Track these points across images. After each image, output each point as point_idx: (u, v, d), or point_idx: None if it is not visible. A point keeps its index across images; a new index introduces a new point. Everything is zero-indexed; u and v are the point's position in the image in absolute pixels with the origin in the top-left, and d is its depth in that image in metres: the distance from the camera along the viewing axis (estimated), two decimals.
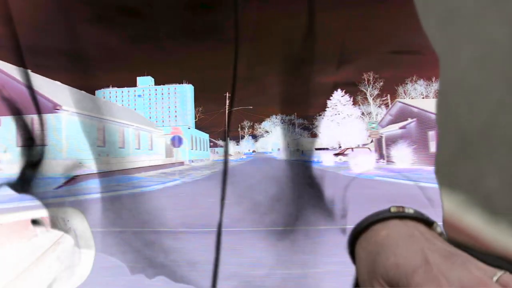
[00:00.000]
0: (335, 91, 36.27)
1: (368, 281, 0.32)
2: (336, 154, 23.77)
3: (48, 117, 14.57)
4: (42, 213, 0.58)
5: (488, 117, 0.32)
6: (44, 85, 14.74)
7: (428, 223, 0.34)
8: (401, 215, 0.34)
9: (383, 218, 0.34)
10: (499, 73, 0.31)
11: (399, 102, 21.75)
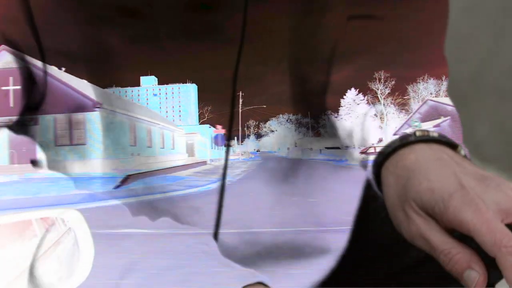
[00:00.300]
0: (348, 90, 35.80)
1: (399, 205, 0.32)
2: (360, 153, 23.60)
3: (87, 115, 14.26)
4: (42, 214, 0.59)
5: (477, 65, 0.31)
6: (74, 83, 15.11)
7: (453, 146, 0.34)
8: (426, 139, 0.34)
9: (408, 142, 0.34)
10: (488, 22, 0.30)
11: (430, 100, 21.30)
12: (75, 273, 0.55)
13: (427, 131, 0.34)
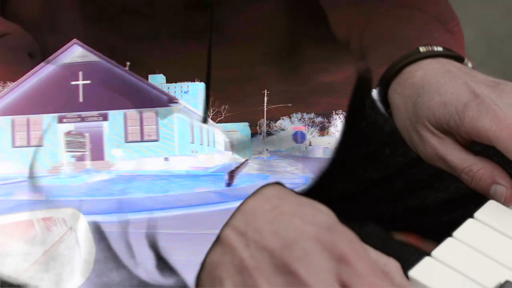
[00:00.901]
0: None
1: (411, 127, 0.30)
2: None
3: (160, 111, 14.46)
4: (43, 213, 0.58)
5: None
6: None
7: (459, 59, 0.32)
8: (432, 54, 0.32)
9: (414, 60, 0.32)
10: None
11: None
12: (77, 273, 0.53)
13: (431, 45, 0.32)
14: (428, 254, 0.24)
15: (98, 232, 0.45)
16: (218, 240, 0.25)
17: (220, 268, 0.23)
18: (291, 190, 0.28)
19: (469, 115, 0.25)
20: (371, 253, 0.23)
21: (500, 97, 0.26)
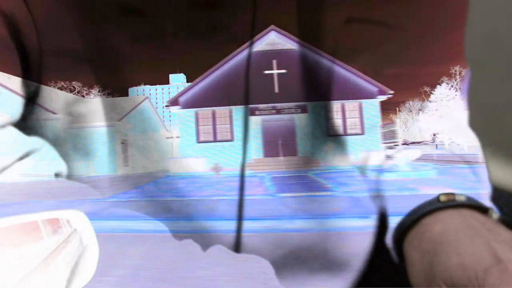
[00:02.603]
0: (438, 86, 33.05)
1: (426, 285, 0.26)
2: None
3: (364, 103, 12.65)
4: (48, 215, 0.57)
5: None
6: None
7: (483, 209, 0.28)
8: (453, 204, 0.28)
9: (433, 210, 0.28)
10: None
11: None
12: (81, 273, 0.53)
13: (453, 194, 0.29)
14: None
15: None
16: None
17: None
18: None
19: (490, 282, 0.22)
20: None
21: None
